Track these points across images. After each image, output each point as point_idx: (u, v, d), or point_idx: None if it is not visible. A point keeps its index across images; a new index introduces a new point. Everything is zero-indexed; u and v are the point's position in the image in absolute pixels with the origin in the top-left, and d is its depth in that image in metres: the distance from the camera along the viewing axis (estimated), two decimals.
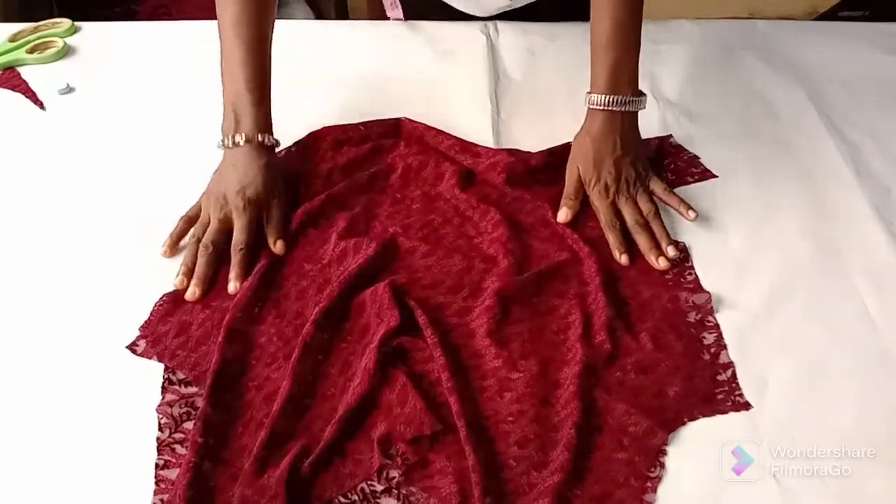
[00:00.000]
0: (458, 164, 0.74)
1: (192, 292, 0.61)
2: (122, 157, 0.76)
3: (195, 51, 0.82)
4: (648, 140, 0.76)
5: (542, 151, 0.74)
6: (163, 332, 0.59)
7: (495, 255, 0.65)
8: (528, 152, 0.74)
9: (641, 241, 0.66)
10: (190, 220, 0.67)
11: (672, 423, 0.54)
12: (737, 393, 0.55)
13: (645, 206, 0.68)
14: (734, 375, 0.56)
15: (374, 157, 0.76)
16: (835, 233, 0.67)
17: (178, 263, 0.64)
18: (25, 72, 0.87)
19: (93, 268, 0.64)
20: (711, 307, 0.61)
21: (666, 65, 0.88)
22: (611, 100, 0.69)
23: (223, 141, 0.68)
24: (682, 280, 0.64)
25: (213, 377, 0.55)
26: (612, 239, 0.66)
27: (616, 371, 0.57)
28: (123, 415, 0.54)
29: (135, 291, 0.62)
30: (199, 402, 0.54)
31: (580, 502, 0.49)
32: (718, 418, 0.53)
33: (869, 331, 0.59)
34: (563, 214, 0.68)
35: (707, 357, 0.58)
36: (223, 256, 0.64)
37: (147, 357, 0.58)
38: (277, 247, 0.65)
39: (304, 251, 0.66)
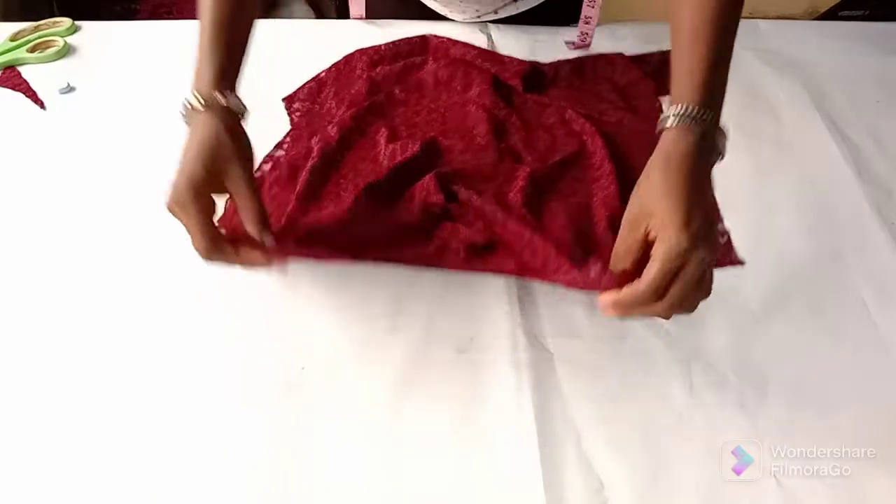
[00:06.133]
0: (485, 72, 0.82)
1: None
2: (123, 157, 0.76)
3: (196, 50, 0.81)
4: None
5: (564, 62, 0.86)
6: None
7: (521, 150, 0.74)
8: (549, 64, 0.85)
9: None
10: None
11: None
12: (732, 252, 0.65)
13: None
14: (729, 239, 0.66)
15: (406, 74, 0.84)
16: (835, 233, 0.67)
17: (177, 262, 0.64)
18: (26, 71, 0.87)
19: (93, 267, 0.64)
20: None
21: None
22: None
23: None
24: None
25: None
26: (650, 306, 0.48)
27: None
28: (119, 414, 0.54)
29: (135, 290, 0.62)
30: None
31: None
32: (718, 418, 0.53)
33: (869, 331, 0.59)
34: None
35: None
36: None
37: None
38: (266, 240, 0.53)
39: (356, 154, 0.73)
